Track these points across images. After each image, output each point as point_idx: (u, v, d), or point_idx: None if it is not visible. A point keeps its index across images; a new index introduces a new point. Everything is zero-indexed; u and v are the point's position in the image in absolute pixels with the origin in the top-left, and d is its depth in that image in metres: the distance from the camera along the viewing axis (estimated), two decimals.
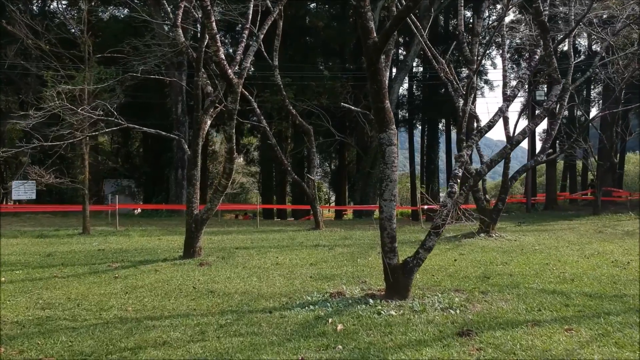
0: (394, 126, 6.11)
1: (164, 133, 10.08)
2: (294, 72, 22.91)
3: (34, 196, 21.69)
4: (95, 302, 6.27)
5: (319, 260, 9.35)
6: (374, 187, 24.86)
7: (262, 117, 15.63)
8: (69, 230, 15.44)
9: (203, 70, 9.91)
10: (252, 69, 30.16)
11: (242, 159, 44.30)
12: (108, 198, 19.78)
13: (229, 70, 7.69)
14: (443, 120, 33.39)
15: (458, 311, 5.58)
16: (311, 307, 5.82)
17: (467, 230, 14.50)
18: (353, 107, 15.47)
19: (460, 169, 6.37)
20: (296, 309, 5.77)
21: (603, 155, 21.10)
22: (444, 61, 13.34)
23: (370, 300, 5.93)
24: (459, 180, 6.32)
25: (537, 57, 7.63)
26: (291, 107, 15.71)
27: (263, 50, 15.92)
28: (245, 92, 15.60)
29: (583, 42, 29.44)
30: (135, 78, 20.40)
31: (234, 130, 8.24)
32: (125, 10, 26.84)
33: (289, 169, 16.46)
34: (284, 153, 23.47)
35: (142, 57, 15.02)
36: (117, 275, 8.01)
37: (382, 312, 5.54)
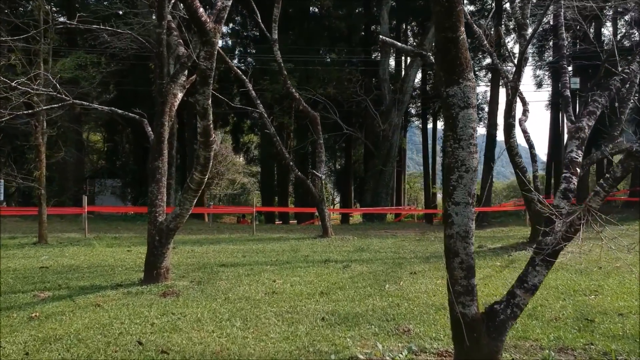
0: (472, 74, 3.50)
1: (120, 111, 7.52)
2: (297, 56, 20.25)
3: (1, 197, 19.22)
4: None
5: (331, 286, 6.76)
6: (387, 187, 22.20)
7: (259, 102, 13.00)
8: (28, 237, 12.89)
9: (175, 27, 7.35)
10: (252, 62, 27.65)
11: (242, 158, 41.77)
12: (83, 199, 17.17)
13: (200, 9, 5.13)
14: None
15: None
16: None
17: (514, 239, 11.92)
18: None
19: (579, 151, 3.76)
20: None
21: None
22: (480, 31, 10.75)
23: None
24: (578, 170, 3.71)
25: None
26: (294, 90, 13.08)
27: (260, 22, 13.33)
28: (239, 72, 13.07)
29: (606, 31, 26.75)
30: (116, 61, 18.03)
31: (209, 102, 5.65)
32: None
33: (292, 164, 13.84)
34: (286, 148, 20.89)
35: (116, 33, 12.60)
36: (36, 313, 5.43)
37: None
